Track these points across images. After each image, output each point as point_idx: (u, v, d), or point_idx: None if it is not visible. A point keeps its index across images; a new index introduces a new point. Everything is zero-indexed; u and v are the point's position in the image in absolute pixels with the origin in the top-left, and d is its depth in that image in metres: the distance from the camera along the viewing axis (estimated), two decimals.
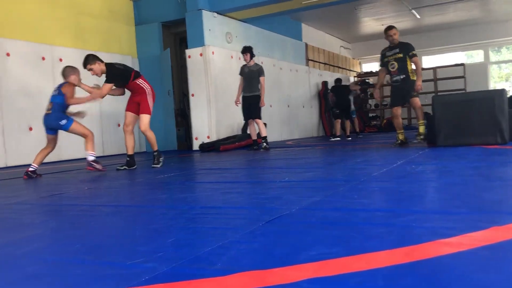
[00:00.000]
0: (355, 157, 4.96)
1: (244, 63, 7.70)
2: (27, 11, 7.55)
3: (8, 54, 7.15)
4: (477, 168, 3.35)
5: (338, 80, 11.67)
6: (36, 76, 7.56)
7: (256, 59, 7.86)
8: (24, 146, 7.26)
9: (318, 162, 4.96)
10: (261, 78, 7.49)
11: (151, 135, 5.22)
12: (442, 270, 1.20)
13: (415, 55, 6.07)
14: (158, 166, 5.19)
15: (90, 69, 4.98)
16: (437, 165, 3.78)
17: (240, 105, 7.71)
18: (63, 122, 4.94)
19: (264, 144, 7.45)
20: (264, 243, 1.57)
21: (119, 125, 9.05)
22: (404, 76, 6.06)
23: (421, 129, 6.21)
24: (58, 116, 4.93)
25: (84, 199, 3.03)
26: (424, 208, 2.03)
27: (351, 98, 10.34)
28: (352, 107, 10.36)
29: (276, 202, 2.37)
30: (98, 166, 4.93)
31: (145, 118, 5.14)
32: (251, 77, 7.50)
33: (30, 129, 7.40)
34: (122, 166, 5.24)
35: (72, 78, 4.99)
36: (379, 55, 6.48)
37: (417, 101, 6.12)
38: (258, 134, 7.99)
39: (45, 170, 5.90)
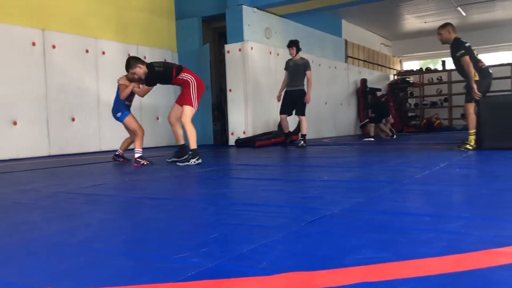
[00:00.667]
0: (395, 158, 4.86)
1: (289, 57, 7.69)
2: (72, 4, 7.76)
3: (54, 46, 7.37)
4: None
5: (372, 91, 11.68)
6: (80, 68, 7.78)
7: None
8: (66, 136, 7.49)
9: (357, 161, 4.89)
10: (308, 73, 7.42)
11: (190, 129, 4.81)
12: (495, 282, 1.16)
13: (461, 56, 5.37)
14: (181, 164, 4.76)
15: (133, 73, 4.86)
16: (483, 169, 3.66)
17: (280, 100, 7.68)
18: (118, 114, 5.16)
19: (302, 142, 7.40)
20: (308, 244, 1.56)
21: (157, 119, 9.21)
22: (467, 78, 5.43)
23: (471, 139, 5.39)
24: (115, 108, 5.20)
25: (126, 191, 3.09)
26: (473, 214, 1.96)
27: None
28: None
29: (317, 201, 2.35)
30: (143, 162, 4.94)
31: (186, 109, 4.81)
32: (296, 71, 7.44)
33: (73, 119, 7.62)
34: (170, 159, 5.23)
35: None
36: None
37: (468, 107, 5.43)
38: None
39: (85, 160, 6.08)
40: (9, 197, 2.89)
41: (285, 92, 7.61)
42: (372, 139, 9.31)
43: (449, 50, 5.67)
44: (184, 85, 4.96)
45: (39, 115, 7.11)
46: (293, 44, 7.46)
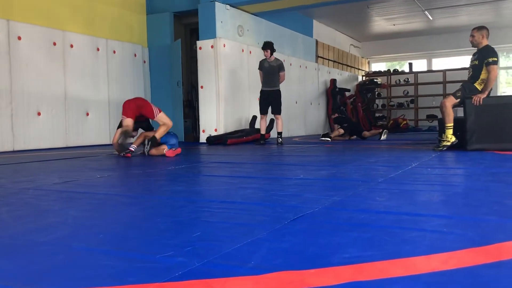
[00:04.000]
0: (367, 157, 4.93)
1: (263, 58, 7.80)
2: None
3: (19, 38, 7.11)
4: (495, 174, 3.32)
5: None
6: (46, 61, 7.53)
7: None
8: (32, 131, 7.24)
9: (330, 160, 4.93)
10: (281, 74, 7.66)
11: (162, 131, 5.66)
12: (484, 281, 1.17)
13: (491, 63, 5.23)
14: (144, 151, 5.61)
15: None
16: (454, 169, 3.76)
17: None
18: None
19: (280, 139, 7.66)
20: (294, 243, 1.55)
21: None
22: (472, 82, 5.42)
23: (448, 133, 5.39)
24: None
25: (98, 188, 3.01)
26: (451, 213, 2.00)
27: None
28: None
29: (297, 200, 2.35)
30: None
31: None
32: (271, 72, 7.60)
33: (39, 114, 7.37)
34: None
35: None
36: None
37: (448, 101, 5.39)
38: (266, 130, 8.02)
39: (51, 156, 5.90)
40: None
41: (262, 92, 7.73)
42: (329, 139, 8.79)
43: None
44: None
45: (1, 109, 6.84)
46: (268, 47, 7.55)
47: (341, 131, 9.06)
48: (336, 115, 9.66)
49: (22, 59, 7.13)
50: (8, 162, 5.09)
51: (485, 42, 5.44)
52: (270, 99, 7.64)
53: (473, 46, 5.58)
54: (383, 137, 8.74)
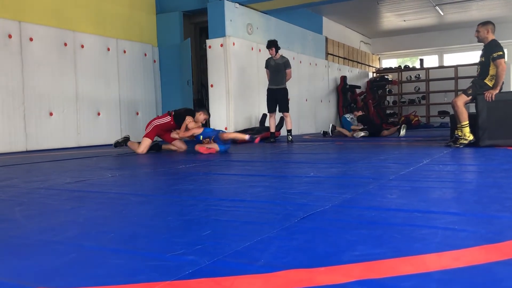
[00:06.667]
0: (377, 154, 4.90)
1: (269, 56, 7.79)
2: None
3: (31, 39, 7.19)
4: (508, 170, 3.28)
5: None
6: (58, 61, 7.60)
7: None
8: (44, 131, 7.32)
9: (340, 158, 4.91)
10: (288, 71, 7.65)
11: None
12: (496, 278, 1.16)
13: (496, 58, 5.18)
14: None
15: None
16: (466, 166, 3.72)
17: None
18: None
19: (290, 137, 7.65)
20: (304, 241, 1.54)
21: (137, 114, 9.09)
22: (481, 78, 5.39)
23: (465, 131, 5.33)
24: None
25: (110, 187, 3.03)
26: (463, 210, 1.98)
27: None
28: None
29: (307, 198, 2.34)
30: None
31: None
32: (277, 70, 7.61)
33: (51, 114, 7.45)
34: None
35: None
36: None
37: (459, 100, 5.35)
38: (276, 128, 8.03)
39: (64, 155, 5.96)
40: None
41: (269, 90, 7.75)
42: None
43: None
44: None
45: (14, 109, 6.92)
46: (272, 45, 7.59)
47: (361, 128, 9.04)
48: (361, 112, 9.79)
49: (34, 60, 7.21)
50: (20, 162, 5.15)
51: (490, 37, 5.40)
52: (277, 97, 7.66)
53: (479, 41, 5.55)
54: (402, 132, 8.72)
